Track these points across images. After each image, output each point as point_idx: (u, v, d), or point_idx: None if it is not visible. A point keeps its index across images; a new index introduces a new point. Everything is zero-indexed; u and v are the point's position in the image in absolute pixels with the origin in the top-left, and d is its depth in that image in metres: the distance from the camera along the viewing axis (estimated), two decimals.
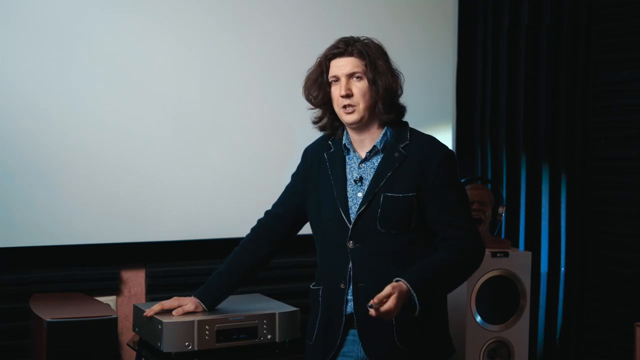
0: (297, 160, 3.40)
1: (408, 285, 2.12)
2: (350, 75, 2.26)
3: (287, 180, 3.39)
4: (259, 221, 2.60)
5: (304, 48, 3.36)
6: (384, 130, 2.30)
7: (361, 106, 2.26)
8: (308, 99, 2.36)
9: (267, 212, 2.60)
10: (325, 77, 2.30)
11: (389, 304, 2.08)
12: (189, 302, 2.61)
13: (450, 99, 3.74)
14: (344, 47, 2.27)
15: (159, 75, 3.19)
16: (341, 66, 2.27)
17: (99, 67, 3.08)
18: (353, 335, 2.32)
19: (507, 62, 3.79)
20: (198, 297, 2.62)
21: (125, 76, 3.13)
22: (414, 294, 2.12)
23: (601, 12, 3.85)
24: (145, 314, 2.64)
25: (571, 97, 3.88)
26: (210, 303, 2.63)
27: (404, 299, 2.12)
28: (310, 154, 2.47)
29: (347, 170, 2.32)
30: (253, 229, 2.61)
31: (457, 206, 2.24)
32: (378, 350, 2.27)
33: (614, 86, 3.80)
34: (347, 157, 2.34)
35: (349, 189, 2.30)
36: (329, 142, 2.39)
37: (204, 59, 3.27)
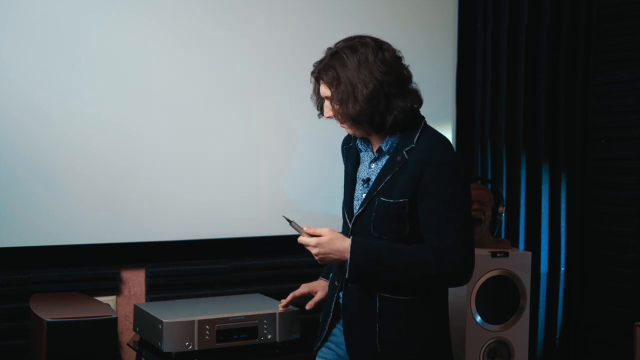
0: (297, 161, 3.42)
1: (350, 247, 2.15)
2: (327, 98, 2.23)
3: (287, 180, 3.41)
4: None
5: (305, 48, 3.36)
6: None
7: (344, 120, 2.22)
8: (316, 108, 2.33)
9: None
10: None
11: (309, 239, 2.15)
12: (320, 290, 2.51)
13: (450, 99, 3.74)
14: (315, 70, 2.23)
15: (160, 76, 3.19)
16: (320, 89, 2.24)
17: (100, 67, 3.08)
18: (340, 324, 2.33)
19: (507, 62, 3.79)
20: (324, 277, 2.53)
21: (126, 76, 3.13)
22: (349, 258, 2.14)
23: (601, 12, 3.85)
24: (281, 307, 2.61)
25: (571, 97, 3.89)
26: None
27: (338, 252, 2.15)
28: (342, 147, 2.46)
29: (359, 169, 2.31)
30: None
31: (446, 216, 2.13)
32: (358, 351, 2.26)
33: (614, 86, 3.80)
34: (361, 154, 2.32)
35: (357, 189, 2.29)
36: (350, 136, 2.37)
37: (204, 59, 3.27)
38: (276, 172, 3.40)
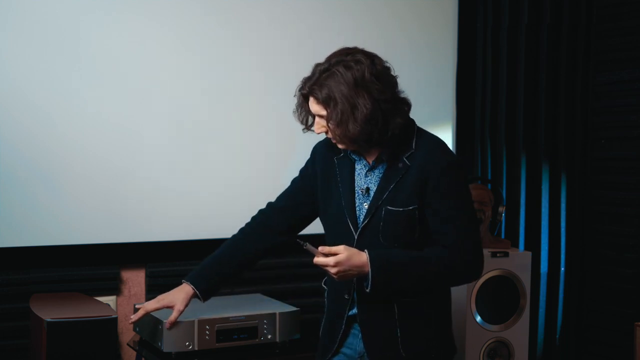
0: (296, 160, 3.39)
1: (368, 260, 2.12)
2: (319, 116, 2.19)
3: (287, 180, 3.39)
4: (260, 211, 2.54)
5: (305, 49, 3.36)
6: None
7: (340, 139, 2.19)
8: (300, 122, 2.29)
9: (268, 204, 2.53)
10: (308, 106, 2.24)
11: (327, 259, 2.11)
12: (178, 303, 2.45)
13: (450, 99, 3.74)
14: (305, 87, 2.18)
15: (160, 76, 3.19)
16: (310, 105, 2.20)
17: (100, 67, 3.08)
18: (356, 329, 2.32)
19: (507, 62, 3.79)
20: (191, 282, 2.46)
21: (126, 77, 3.13)
22: (370, 273, 2.11)
23: (601, 12, 3.85)
24: (130, 321, 2.55)
25: (571, 97, 3.88)
26: (205, 288, 2.46)
27: (357, 267, 2.12)
28: (319, 152, 2.42)
29: (356, 179, 2.28)
30: (254, 218, 2.54)
31: (454, 216, 2.16)
32: (379, 354, 2.26)
33: (614, 86, 3.80)
34: (356, 163, 2.30)
35: (357, 199, 2.27)
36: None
37: (205, 59, 3.27)
38: (276, 172, 3.39)
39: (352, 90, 2.10)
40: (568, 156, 3.89)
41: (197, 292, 2.45)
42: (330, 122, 2.14)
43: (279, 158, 3.40)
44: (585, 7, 3.86)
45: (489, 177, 3.82)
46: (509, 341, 3.36)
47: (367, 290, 2.14)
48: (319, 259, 2.14)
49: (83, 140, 3.07)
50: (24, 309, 2.85)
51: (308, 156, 3.33)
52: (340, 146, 2.24)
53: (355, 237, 2.24)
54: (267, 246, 2.50)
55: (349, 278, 2.16)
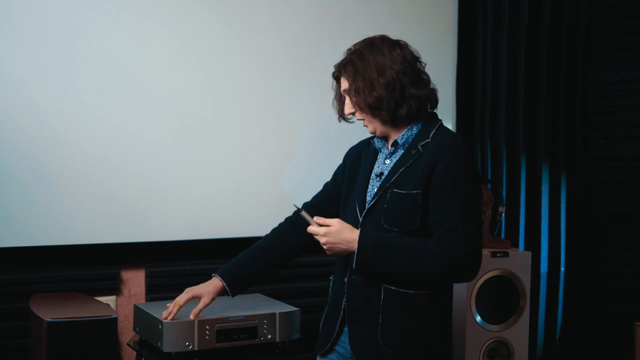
0: (297, 161, 3.42)
1: (358, 238, 2.17)
2: (345, 93, 2.29)
3: (287, 180, 3.41)
4: (295, 211, 2.57)
5: (305, 49, 3.36)
6: (409, 126, 2.29)
7: (367, 119, 2.29)
8: (337, 112, 2.39)
9: (304, 204, 2.56)
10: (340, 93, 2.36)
11: (318, 229, 2.19)
12: (205, 296, 2.51)
13: (450, 99, 3.74)
14: (335, 70, 2.32)
15: (160, 76, 3.19)
16: (341, 87, 2.32)
17: (100, 67, 3.09)
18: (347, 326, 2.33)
19: (507, 62, 3.79)
20: (221, 276, 2.51)
21: (126, 77, 3.13)
22: (356, 249, 2.16)
23: (601, 12, 3.85)
24: (168, 319, 2.58)
25: (571, 97, 3.88)
26: (234, 283, 2.51)
27: (347, 242, 2.18)
28: (350, 153, 2.49)
29: (375, 165, 2.34)
30: (287, 218, 2.60)
31: (456, 208, 2.16)
32: (362, 348, 2.26)
33: (614, 86, 3.80)
34: (379, 152, 2.36)
35: (370, 184, 2.31)
36: (370, 140, 2.42)
37: (205, 59, 3.27)
38: (276, 172, 3.40)
39: (374, 60, 2.23)
40: (568, 156, 3.89)
41: (226, 286, 2.51)
42: (352, 93, 2.24)
43: (279, 158, 3.40)
44: (585, 7, 3.86)
45: (489, 177, 3.82)
46: (509, 341, 3.36)
47: (353, 267, 2.19)
48: (312, 228, 2.22)
49: (83, 140, 3.07)
50: (24, 309, 2.85)
51: (308, 157, 3.34)
52: (369, 126, 2.30)
53: (360, 220, 2.26)
54: (294, 243, 2.54)
55: (338, 252, 2.21)
